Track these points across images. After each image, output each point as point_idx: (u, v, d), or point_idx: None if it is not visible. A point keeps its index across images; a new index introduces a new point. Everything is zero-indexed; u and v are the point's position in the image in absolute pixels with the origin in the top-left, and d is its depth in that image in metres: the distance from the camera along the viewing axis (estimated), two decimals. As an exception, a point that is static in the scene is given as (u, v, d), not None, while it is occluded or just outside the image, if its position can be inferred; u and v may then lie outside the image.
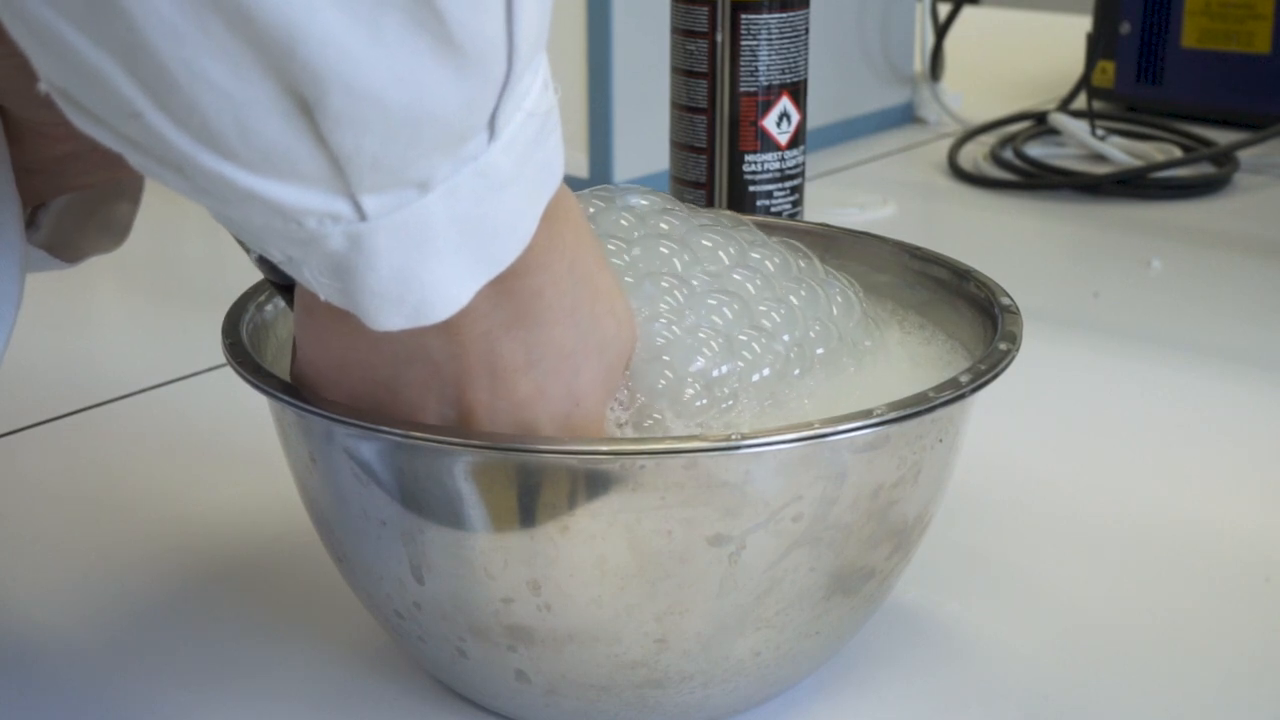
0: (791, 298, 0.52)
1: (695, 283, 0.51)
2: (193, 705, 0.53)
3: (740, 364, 0.49)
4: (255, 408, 0.51)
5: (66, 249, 0.54)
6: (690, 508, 0.44)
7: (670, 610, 0.45)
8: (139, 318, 0.95)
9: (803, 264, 0.54)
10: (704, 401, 0.48)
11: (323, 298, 0.39)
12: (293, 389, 0.46)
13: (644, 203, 0.53)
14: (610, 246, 0.51)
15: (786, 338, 0.50)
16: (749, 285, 0.51)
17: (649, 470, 0.43)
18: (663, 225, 0.53)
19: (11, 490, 0.68)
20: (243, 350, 0.49)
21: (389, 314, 0.39)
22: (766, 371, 0.49)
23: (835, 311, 0.53)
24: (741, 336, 0.50)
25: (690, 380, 0.48)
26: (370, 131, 0.35)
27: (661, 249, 0.52)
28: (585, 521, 0.44)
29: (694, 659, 0.47)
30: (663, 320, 0.49)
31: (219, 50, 0.32)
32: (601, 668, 0.47)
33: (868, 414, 0.44)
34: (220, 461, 0.70)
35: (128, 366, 0.83)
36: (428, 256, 0.38)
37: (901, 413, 0.45)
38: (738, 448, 0.43)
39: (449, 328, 0.41)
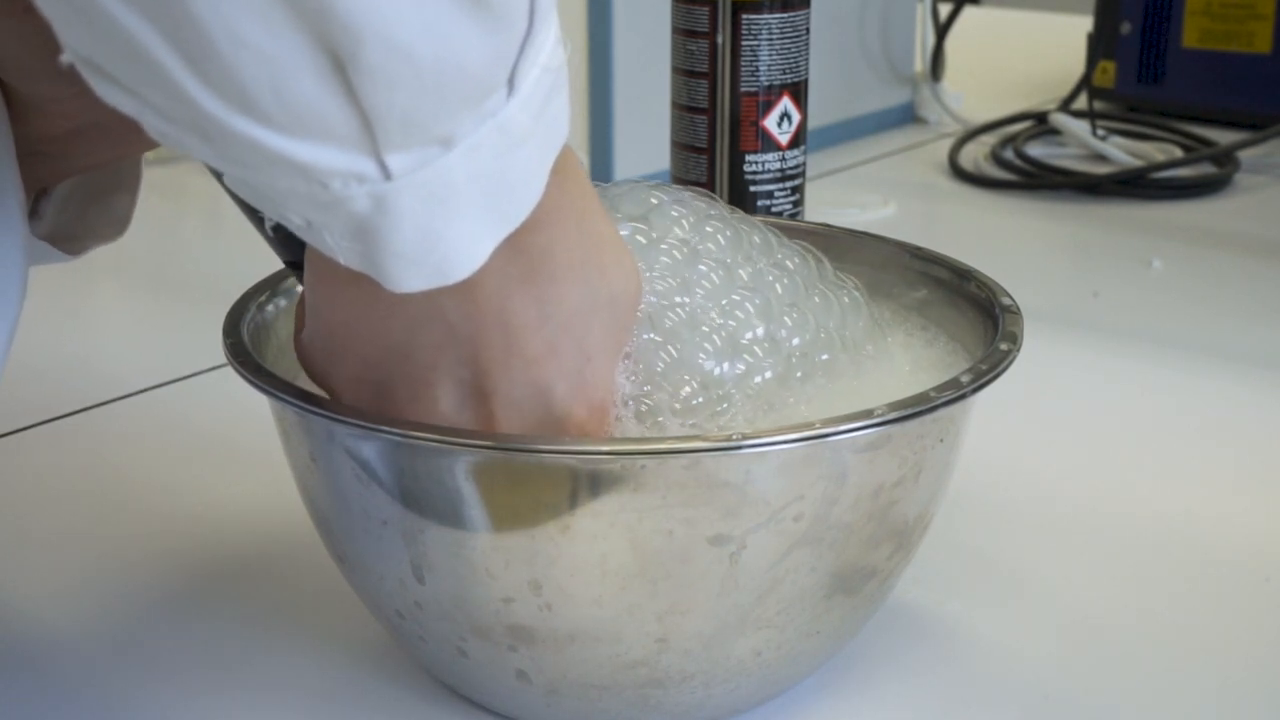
0: (807, 302, 0.52)
1: (728, 265, 0.50)
2: (193, 704, 0.53)
3: (741, 367, 0.49)
4: (256, 407, 0.51)
5: (68, 241, 0.54)
6: (691, 508, 0.44)
7: (671, 610, 0.45)
8: (139, 317, 0.95)
9: (815, 265, 0.54)
10: (701, 400, 0.48)
11: (342, 262, 0.39)
12: (294, 389, 0.46)
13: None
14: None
15: (796, 341, 0.50)
16: (777, 286, 0.51)
17: (650, 470, 0.43)
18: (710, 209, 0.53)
19: (11, 490, 0.68)
20: (244, 350, 0.49)
21: (410, 275, 0.39)
22: (769, 374, 0.49)
23: (844, 317, 0.53)
24: (746, 339, 0.49)
25: (689, 377, 0.48)
26: (401, 86, 0.35)
27: (708, 227, 0.52)
28: (586, 521, 0.44)
29: (695, 659, 0.47)
30: (677, 304, 0.49)
31: (258, 9, 0.32)
32: (603, 667, 0.47)
33: (869, 414, 0.44)
34: (220, 461, 0.70)
35: (128, 366, 0.83)
36: (449, 215, 0.38)
37: (902, 412, 0.45)
38: (739, 448, 0.43)
39: (464, 287, 0.41)
